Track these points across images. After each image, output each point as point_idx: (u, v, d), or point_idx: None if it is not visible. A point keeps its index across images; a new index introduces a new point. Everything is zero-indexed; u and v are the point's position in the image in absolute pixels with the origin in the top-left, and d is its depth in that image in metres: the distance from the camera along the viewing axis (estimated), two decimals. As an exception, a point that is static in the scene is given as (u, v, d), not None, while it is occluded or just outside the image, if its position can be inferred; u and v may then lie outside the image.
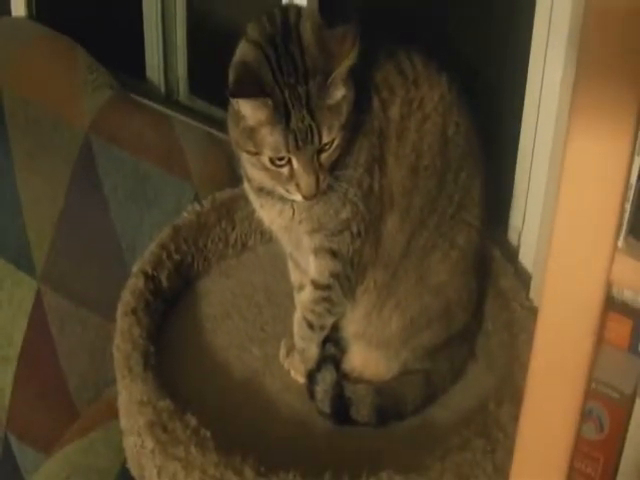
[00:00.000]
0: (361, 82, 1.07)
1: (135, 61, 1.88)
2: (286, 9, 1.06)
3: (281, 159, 1.02)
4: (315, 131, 1.00)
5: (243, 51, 1.03)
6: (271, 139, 1.01)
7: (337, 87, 1.01)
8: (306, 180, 1.02)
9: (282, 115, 1.00)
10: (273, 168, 1.03)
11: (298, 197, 1.04)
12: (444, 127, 1.13)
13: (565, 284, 0.72)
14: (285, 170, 1.03)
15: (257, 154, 1.03)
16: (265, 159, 1.03)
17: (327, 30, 1.03)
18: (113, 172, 1.61)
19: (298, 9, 1.06)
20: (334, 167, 1.06)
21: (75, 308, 1.62)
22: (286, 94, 1.00)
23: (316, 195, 1.04)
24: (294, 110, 1.00)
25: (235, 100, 1.02)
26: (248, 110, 1.01)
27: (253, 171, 1.09)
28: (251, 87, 1.00)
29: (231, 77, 1.02)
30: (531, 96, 1.32)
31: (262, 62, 1.01)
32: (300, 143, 1.00)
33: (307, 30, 1.02)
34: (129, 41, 1.90)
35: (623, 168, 0.67)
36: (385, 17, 1.44)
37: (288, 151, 1.01)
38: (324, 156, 1.03)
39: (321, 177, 1.03)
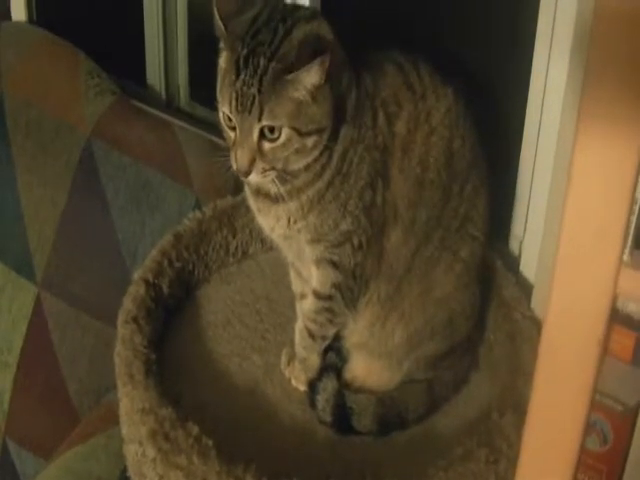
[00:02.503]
0: (366, 95, 1.08)
1: (136, 67, 1.88)
2: (303, 6, 1.09)
3: (230, 120, 1.03)
4: (257, 104, 0.99)
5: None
6: (225, 92, 1.02)
7: (296, 88, 1.00)
8: (240, 152, 1.03)
9: (234, 70, 1.00)
10: (227, 129, 1.04)
11: (235, 167, 1.04)
12: (450, 140, 1.13)
13: (571, 297, 0.72)
14: (232, 135, 1.04)
15: (219, 105, 1.04)
16: (222, 114, 1.04)
17: (312, 42, 1.02)
18: (115, 178, 1.61)
19: (314, 11, 1.08)
20: (291, 171, 1.05)
21: (75, 313, 1.62)
22: (244, 52, 1.00)
23: (248, 174, 1.03)
24: (245, 71, 0.99)
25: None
26: (221, 39, 1.02)
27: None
28: (226, 9, 1.02)
29: None
30: (533, 104, 1.31)
31: (250, 16, 1.03)
32: (239, 107, 1.00)
33: (302, 27, 1.03)
34: (130, 47, 1.90)
35: (629, 181, 0.67)
36: (386, 19, 1.44)
37: (230, 109, 1.01)
38: (267, 145, 1.02)
39: (258, 162, 1.03)
